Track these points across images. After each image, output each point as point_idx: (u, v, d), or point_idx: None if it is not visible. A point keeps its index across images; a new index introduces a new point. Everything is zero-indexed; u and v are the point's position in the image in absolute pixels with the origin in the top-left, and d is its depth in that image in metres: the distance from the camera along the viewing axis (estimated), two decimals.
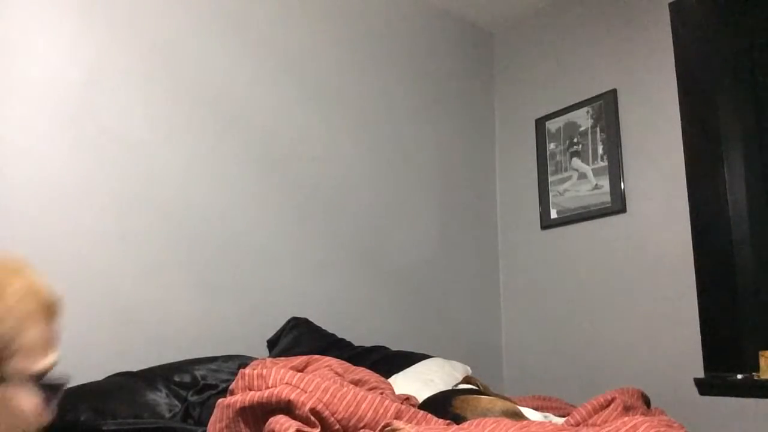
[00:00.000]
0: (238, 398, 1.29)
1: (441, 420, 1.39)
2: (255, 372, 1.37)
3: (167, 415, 1.54)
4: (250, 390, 1.34)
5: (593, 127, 2.68)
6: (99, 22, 1.94)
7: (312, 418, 1.23)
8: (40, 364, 0.66)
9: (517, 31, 3.12)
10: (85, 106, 1.88)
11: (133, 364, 1.74)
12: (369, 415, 1.29)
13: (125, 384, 1.59)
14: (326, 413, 1.25)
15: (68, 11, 1.89)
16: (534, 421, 1.30)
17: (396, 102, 2.72)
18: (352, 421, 1.27)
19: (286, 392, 1.25)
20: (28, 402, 0.68)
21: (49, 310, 0.68)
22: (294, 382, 1.31)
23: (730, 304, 2.16)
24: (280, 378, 1.33)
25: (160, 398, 1.57)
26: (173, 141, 2.04)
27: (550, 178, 2.81)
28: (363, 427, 1.27)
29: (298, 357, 1.65)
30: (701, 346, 2.18)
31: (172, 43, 2.09)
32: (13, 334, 0.63)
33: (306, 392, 1.27)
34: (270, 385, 1.32)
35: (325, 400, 1.27)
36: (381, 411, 1.30)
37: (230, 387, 1.41)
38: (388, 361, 2.09)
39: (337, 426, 1.26)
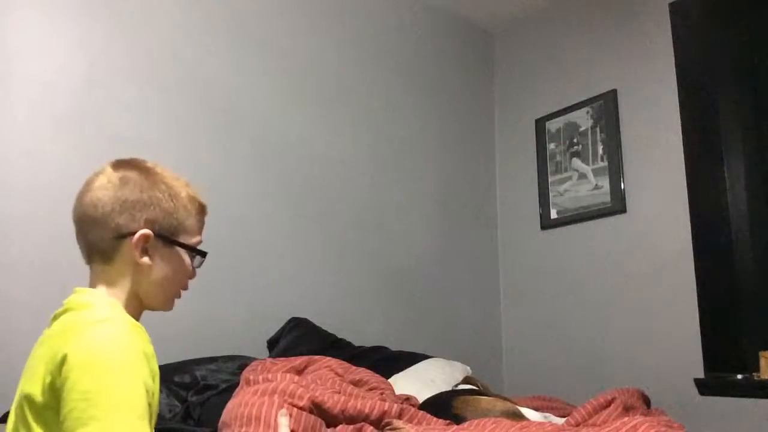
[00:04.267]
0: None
1: (441, 420, 1.39)
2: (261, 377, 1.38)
3: (167, 415, 1.53)
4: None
5: (593, 127, 2.68)
6: (99, 22, 1.94)
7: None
8: (193, 240, 1.10)
9: (517, 31, 3.12)
10: (85, 106, 1.88)
11: None
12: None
13: None
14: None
15: (68, 11, 1.89)
16: (534, 422, 1.30)
17: (396, 102, 2.72)
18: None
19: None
20: (186, 259, 1.10)
21: (201, 210, 1.13)
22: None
23: (730, 304, 2.16)
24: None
25: (160, 398, 1.57)
26: (172, 140, 2.04)
27: (550, 179, 2.81)
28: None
29: (298, 357, 1.65)
30: (701, 346, 2.18)
31: (172, 43, 2.09)
32: (183, 219, 1.06)
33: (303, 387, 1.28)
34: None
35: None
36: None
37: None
38: (388, 362, 2.08)
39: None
